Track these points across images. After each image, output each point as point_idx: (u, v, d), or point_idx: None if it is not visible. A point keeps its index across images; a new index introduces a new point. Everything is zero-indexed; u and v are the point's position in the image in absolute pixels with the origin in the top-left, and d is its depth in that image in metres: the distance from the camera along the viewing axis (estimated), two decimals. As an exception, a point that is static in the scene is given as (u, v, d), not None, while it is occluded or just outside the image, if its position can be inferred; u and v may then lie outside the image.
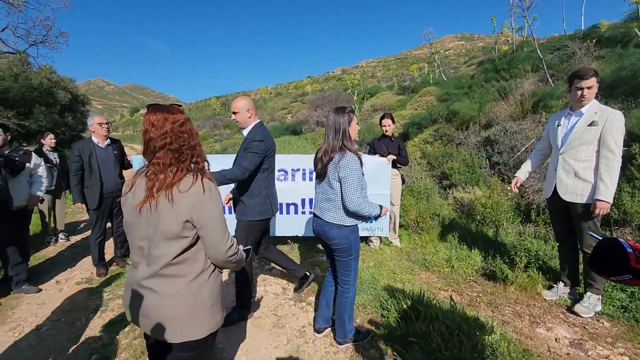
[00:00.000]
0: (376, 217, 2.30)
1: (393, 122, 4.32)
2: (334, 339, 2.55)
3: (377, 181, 3.97)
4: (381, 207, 2.31)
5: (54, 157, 5.02)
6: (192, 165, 1.30)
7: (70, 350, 2.59)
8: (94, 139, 3.80)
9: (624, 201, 3.89)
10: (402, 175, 4.44)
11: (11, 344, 2.68)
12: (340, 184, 2.16)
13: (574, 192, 2.76)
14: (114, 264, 4.20)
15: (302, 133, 14.19)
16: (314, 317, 2.77)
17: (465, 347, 2.11)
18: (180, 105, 1.40)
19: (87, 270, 4.11)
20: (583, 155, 2.71)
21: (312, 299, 3.28)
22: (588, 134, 2.67)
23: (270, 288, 3.53)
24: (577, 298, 2.92)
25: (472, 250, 3.92)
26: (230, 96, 50.99)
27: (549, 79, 7.51)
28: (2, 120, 11.42)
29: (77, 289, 3.64)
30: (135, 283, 1.28)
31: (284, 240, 4.67)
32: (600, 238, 1.13)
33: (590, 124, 2.66)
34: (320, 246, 4.47)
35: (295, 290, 3.35)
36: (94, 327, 2.90)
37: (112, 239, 4.23)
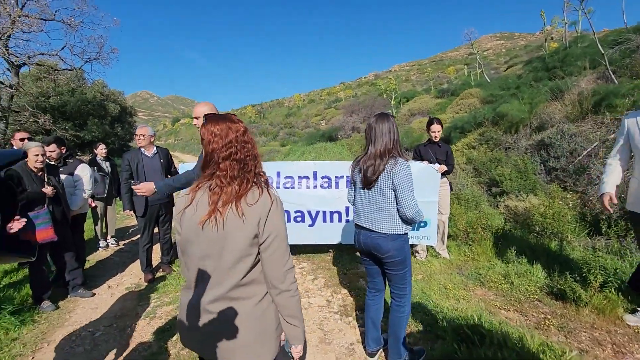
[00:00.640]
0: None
1: (442, 127, 4.06)
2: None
3: (425, 188, 3.74)
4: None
5: (106, 165, 5.28)
6: (256, 175, 1.23)
7: (122, 358, 2.62)
8: (142, 149, 3.93)
9: None
10: (450, 183, 4.17)
11: (69, 347, 2.77)
12: (395, 191, 2.09)
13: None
14: (161, 269, 4.30)
15: (338, 139, 14.10)
16: (364, 339, 2.61)
17: (543, 381, 1.85)
18: (234, 115, 1.33)
19: (136, 276, 4.23)
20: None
21: (358, 313, 3.12)
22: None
23: (314, 300, 3.42)
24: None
25: (533, 265, 3.56)
26: (265, 104, 52.27)
27: (612, 76, 6.84)
28: (60, 132, 12.39)
29: (127, 294, 3.75)
30: (196, 307, 1.19)
31: (325, 249, 4.55)
32: None
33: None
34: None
35: None
36: (144, 334, 2.93)
37: (158, 244, 4.33)
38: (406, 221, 2.15)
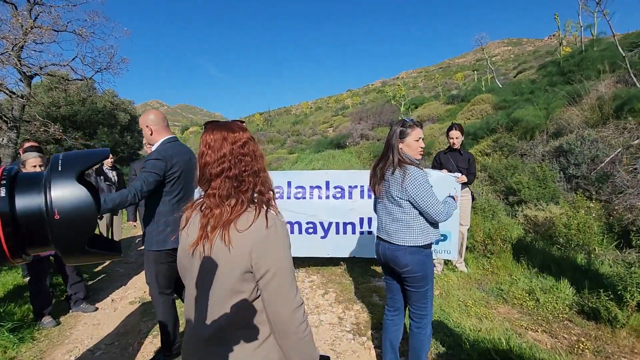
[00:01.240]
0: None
1: (462, 133, 3.85)
2: (407, 388, 2.18)
3: (442, 197, 3.55)
4: (452, 197, 2.20)
5: (112, 175, 5.20)
6: (256, 195, 1.04)
7: (122, 381, 2.47)
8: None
9: None
10: (472, 192, 3.96)
11: (67, 369, 2.62)
12: (414, 204, 1.97)
13: None
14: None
15: (346, 146, 13.96)
16: (381, 361, 2.41)
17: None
18: (242, 122, 1.17)
19: (140, 289, 4.10)
20: None
21: (373, 332, 2.92)
22: None
23: (325, 317, 3.23)
24: None
25: (560, 281, 3.33)
26: (272, 112, 52.60)
27: (634, 79, 6.57)
28: (70, 141, 12.49)
29: (130, 309, 3.60)
30: (192, 341, 1.03)
31: (336, 261, 4.36)
32: None
33: None
34: (376, 268, 4.11)
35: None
36: (146, 354, 2.78)
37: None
38: (424, 229, 2.03)
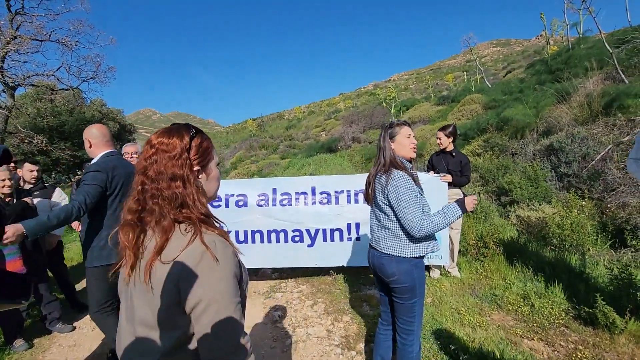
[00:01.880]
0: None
1: (449, 136, 3.72)
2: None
3: (432, 202, 3.42)
4: (463, 201, 1.88)
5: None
6: (183, 212, 0.86)
7: (93, 410, 2.30)
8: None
9: None
10: (464, 194, 3.85)
11: (35, 398, 2.45)
12: (393, 209, 1.84)
13: None
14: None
15: (338, 150, 13.86)
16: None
17: None
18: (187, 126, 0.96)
19: (121, 306, 3.92)
20: None
21: (362, 346, 2.79)
22: None
23: (312, 330, 3.08)
24: None
25: (554, 285, 3.22)
26: (265, 117, 52.44)
27: (622, 75, 6.56)
28: (57, 152, 12.24)
29: (109, 328, 3.42)
30: None
31: (325, 270, 4.22)
32: None
33: None
34: (367, 276, 3.98)
35: None
36: (122, 378, 2.60)
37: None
38: (416, 240, 1.86)
